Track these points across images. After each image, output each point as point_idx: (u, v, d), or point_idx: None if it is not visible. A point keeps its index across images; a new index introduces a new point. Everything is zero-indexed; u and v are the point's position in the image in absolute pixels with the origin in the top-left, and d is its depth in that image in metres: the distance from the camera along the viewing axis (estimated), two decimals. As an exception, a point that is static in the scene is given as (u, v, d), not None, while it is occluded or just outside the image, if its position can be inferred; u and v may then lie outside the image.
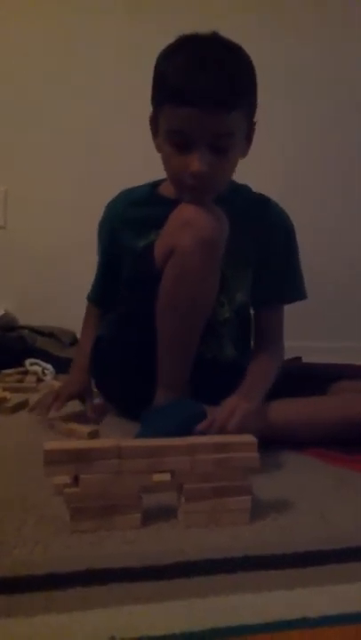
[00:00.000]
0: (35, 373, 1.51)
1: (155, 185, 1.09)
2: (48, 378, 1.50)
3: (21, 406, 1.20)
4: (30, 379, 1.48)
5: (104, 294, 1.19)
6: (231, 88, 0.87)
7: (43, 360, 1.59)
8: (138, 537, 0.63)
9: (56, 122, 1.88)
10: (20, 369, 1.54)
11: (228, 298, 1.05)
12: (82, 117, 1.88)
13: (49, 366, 1.55)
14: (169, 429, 0.85)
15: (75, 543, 0.61)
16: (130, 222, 1.08)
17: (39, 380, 1.49)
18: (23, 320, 1.91)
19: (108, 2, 1.90)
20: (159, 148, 0.95)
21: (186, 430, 0.81)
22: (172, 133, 0.89)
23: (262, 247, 1.07)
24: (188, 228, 0.89)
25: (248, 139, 0.96)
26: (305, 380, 1.11)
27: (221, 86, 0.86)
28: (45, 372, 1.53)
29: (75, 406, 1.13)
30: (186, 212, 0.90)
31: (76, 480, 0.64)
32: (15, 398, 1.21)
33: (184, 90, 0.85)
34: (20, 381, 1.46)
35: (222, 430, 0.80)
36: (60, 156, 1.90)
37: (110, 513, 0.65)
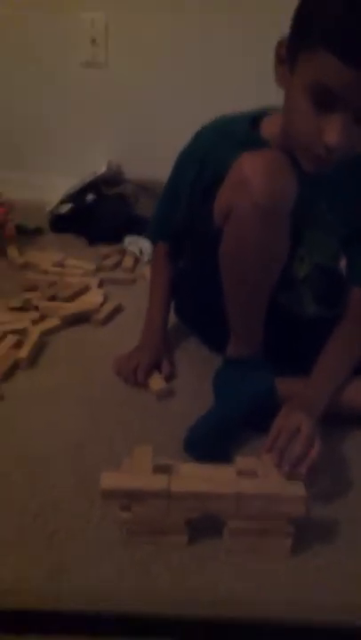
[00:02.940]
0: (132, 254, 1.52)
1: (255, 121, 0.89)
2: (145, 259, 1.51)
3: (114, 313, 1.25)
4: (128, 260, 1.49)
5: (175, 230, 1.04)
6: None
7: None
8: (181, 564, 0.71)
9: None
10: (119, 247, 1.55)
11: (308, 253, 0.94)
12: None
13: (146, 244, 1.54)
14: (238, 410, 0.91)
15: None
16: (220, 162, 0.89)
17: (136, 262, 1.51)
18: (128, 171, 1.85)
19: None
20: (283, 84, 0.77)
21: (254, 410, 0.88)
22: (317, 88, 0.70)
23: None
24: (245, 188, 0.77)
25: None
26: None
27: None
28: (142, 252, 1.53)
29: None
30: (245, 167, 0.78)
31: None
32: (107, 305, 1.26)
33: (355, 44, 0.65)
34: (118, 264, 1.48)
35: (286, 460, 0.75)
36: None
37: (159, 534, 0.72)
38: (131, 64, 1.71)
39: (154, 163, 1.78)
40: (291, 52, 0.74)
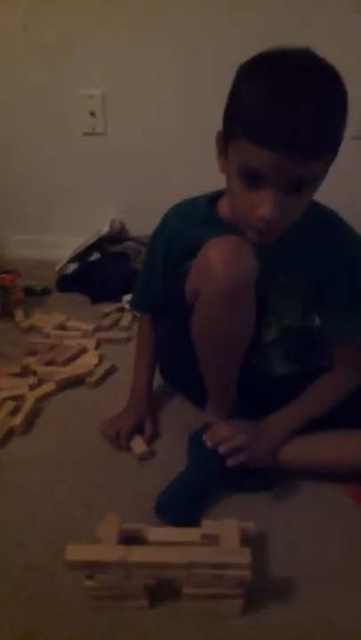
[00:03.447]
0: (131, 311, 1.62)
1: (211, 201, 0.99)
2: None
3: (108, 374, 1.35)
4: (125, 318, 1.59)
5: (155, 300, 1.12)
6: (323, 132, 0.75)
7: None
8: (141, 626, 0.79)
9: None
10: (118, 305, 1.65)
11: (275, 319, 1.01)
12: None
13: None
14: (207, 475, 1.00)
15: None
16: (185, 239, 1.01)
17: (134, 319, 1.60)
18: (132, 228, 1.96)
19: None
20: (224, 170, 0.86)
21: (224, 473, 0.97)
22: (245, 170, 0.79)
23: (323, 279, 0.96)
24: (209, 275, 0.86)
25: (330, 162, 0.82)
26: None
27: (313, 132, 0.73)
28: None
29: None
30: (210, 255, 0.86)
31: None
32: (101, 367, 1.36)
33: (265, 131, 0.74)
34: (116, 323, 1.58)
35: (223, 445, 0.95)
36: (160, 58, 1.70)
37: (122, 599, 0.80)
38: (128, 131, 1.83)
39: (154, 219, 1.89)
40: (224, 143, 0.84)
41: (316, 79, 0.74)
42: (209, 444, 0.96)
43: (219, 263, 0.84)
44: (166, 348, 1.14)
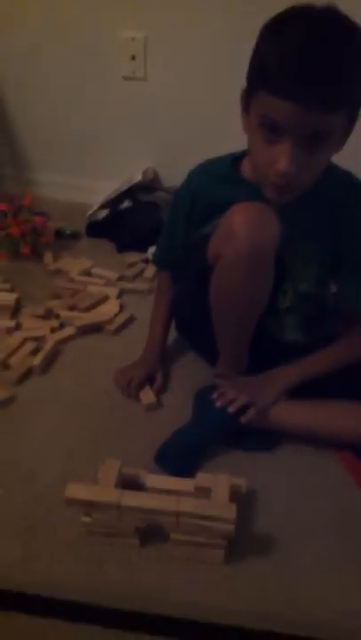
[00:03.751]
0: (155, 263, 1.64)
1: (235, 161, 1.00)
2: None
3: (127, 323, 1.39)
4: (149, 270, 1.61)
5: (175, 258, 1.15)
6: (341, 86, 0.76)
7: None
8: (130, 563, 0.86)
9: None
10: (144, 256, 1.67)
11: (291, 286, 1.03)
12: None
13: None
14: (208, 429, 1.04)
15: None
16: (209, 196, 1.03)
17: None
18: (165, 178, 1.95)
19: None
20: (246, 128, 0.88)
21: (224, 429, 1.02)
22: (265, 122, 0.81)
23: (341, 242, 0.98)
24: (232, 239, 0.88)
25: (347, 132, 0.84)
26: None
27: (330, 83, 0.75)
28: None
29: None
30: (234, 220, 0.88)
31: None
32: (120, 316, 1.40)
33: (286, 82, 0.75)
34: (140, 274, 1.61)
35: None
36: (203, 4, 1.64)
37: (115, 536, 0.87)
38: (169, 78, 1.79)
39: (188, 172, 1.88)
40: (246, 99, 0.85)
41: (337, 34, 0.75)
42: (218, 403, 1.02)
43: (242, 229, 0.86)
44: (184, 305, 1.16)
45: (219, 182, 1.02)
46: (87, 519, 0.86)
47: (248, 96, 0.84)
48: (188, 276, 1.09)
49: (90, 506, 0.84)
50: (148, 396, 1.15)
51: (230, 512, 0.82)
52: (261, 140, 0.82)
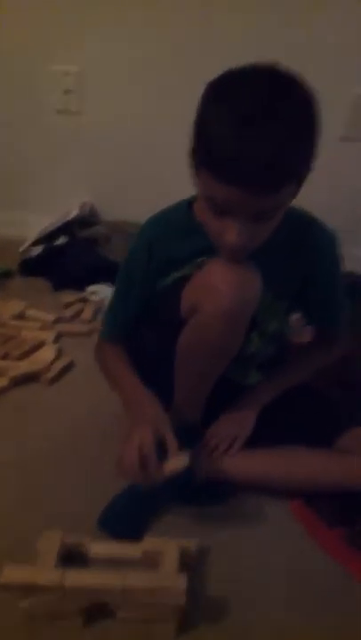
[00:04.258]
0: (94, 303, 1.59)
1: (189, 207, 0.95)
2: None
3: (64, 371, 1.32)
4: (87, 311, 1.56)
5: (128, 328, 1.06)
6: (286, 166, 0.72)
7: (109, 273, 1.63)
8: None
9: None
10: (81, 295, 1.62)
11: (259, 333, 1.01)
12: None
13: (109, 293, 1.59)
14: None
15: None
16: (167, 249, 0.97)
17: (96, 312, 1.57)
18: (103, 211, 1.92)
19: None
20: (196, 186, 0.83)
21: (172, 486, 0.94)
22: (208, 199, 0.78)
23: (306, 276, 0.98)
24: (212, 294, 0.84)
25: (300, 187, 0.80)
26: (316, 414, 1.07)
27: (273, 164, 0.70)
28: (104, 301, 1.59)
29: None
30: (213, 274, 0.84)
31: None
32: (58, 362, 1.33)
33: (228, 168, 0.71)
34: (78, 314, 1.55)
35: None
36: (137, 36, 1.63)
37: (57, 618, 0.80)
38: (105, 112, 1.77)
39: (126, 204, 1.85)
40: (193, 163, 0.80)
41: (280, 106, 0.70)
42: (210, 454, 1.01)
43: (226, 285, 0.83)
44: (142, 350, 1.08)
45: (176, 236, 0.96)
46: (24, 603, 0.79)
47: (194, 163, 0.79)
48: (150, 323, 1.04)
49: (29, 590, 0.77)
50: (174, 460, 0.88)
51: (180, 583, 0.77)
52: (208, 211, 0.79)
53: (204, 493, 1.00)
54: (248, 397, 1.05)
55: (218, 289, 0.83)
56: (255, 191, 0.72)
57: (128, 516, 0.96)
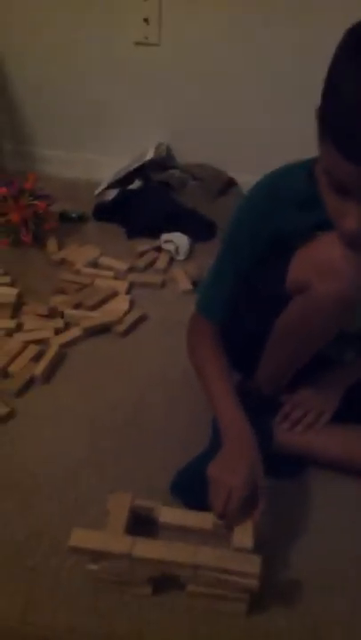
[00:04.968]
0: (168, 253, 1.52)
1: (310, 175, 0.81)
2: (180, 258, 1.51)
3: (137, 323, 1.28)
4: (162, 261, 1.50)
5: (228, 307, 0.94)
6: None
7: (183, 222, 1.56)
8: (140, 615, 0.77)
9: None
10: (156, 243, 1.55)
11: None
12: None
13: (183, 242, 1.52)
14: None
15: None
16: (283, 220, 0.86)
17: (170, 262, 1.51)
18: (179, 154, 1.81)
19: None
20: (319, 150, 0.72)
21: None
22: (329, 174, 0.68)
23: None
24: (328, 274, 0.76)
25: None
26: None
27: None
28: (178, 251, 1.52)
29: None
30: (331, 251, 0.76)
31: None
32: (130, 314, 1.29)
33: (351, 142, 0.62)
34: (152, 264, 1.49)
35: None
36: None
37: (124, 585, 0.78)
38: (185, 44, 1.63)
39: (203, 147, 1.74)
40: (318, 125, 0.69)
41: None
42: (286, 426, 0.97)
43: (345, 265, 0.75)
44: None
45: (291, 205, 0.85)
46: (93, 567, 0.77)
47: (319, 127, 0.68)
48: (249, 301, 0.93)
49: (97, 555, 0.75)
50: (244, 534, 0.78)
51: (253, 566, 0.73)
52: (328, 186, 0.70)
53: (283, 466, 0.95)
54: (338, 373, 0.98)
55: (336, 270, 0.75)
56: None
57: (200, 484, 0.92)
